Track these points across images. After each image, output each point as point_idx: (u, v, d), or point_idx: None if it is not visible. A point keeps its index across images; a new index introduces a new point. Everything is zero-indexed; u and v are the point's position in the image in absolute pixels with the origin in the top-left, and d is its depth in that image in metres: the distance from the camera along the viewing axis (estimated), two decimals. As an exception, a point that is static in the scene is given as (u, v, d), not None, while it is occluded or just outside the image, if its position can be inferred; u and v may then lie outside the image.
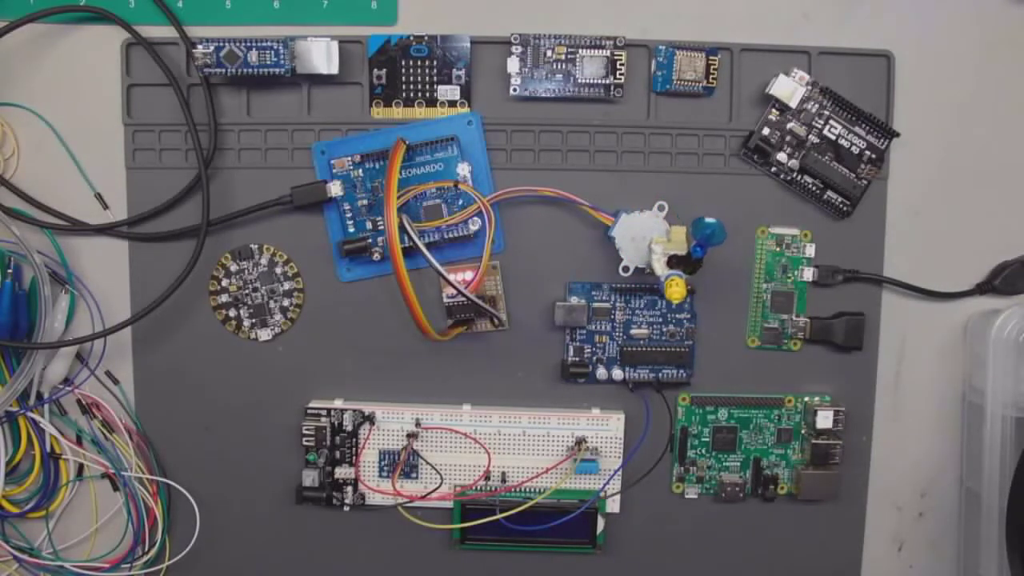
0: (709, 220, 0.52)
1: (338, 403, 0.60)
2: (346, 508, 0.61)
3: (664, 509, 0.62)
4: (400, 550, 0.63)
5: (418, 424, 0.60)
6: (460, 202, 0.58)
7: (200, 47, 0.56)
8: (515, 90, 0.58)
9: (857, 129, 0.59)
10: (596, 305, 0.60)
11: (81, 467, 0.62)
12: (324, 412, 0.60)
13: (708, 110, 0.59)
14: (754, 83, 0.59)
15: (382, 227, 0.58)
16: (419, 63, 0.58)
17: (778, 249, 0.60)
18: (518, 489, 0.60)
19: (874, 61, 0.59)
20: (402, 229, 0.55)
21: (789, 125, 0.59)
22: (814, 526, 0.63)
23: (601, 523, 0.61)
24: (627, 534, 0.62)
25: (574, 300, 0.60)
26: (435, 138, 0.58)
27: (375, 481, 0.61)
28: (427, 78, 0.59)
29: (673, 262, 0.54)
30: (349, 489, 0.61)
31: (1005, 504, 0.57)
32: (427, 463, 0.60)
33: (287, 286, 0.60)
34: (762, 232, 0.60)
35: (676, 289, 0.51)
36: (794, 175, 0.59)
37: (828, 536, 0.63)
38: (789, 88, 0.58)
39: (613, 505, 0.61)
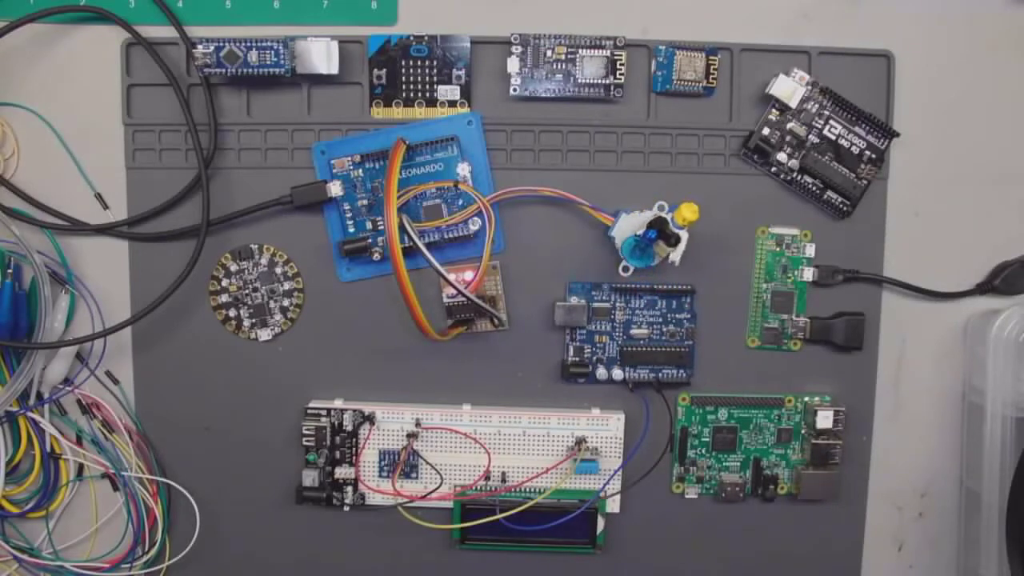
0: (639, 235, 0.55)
1: (338, 403, 0.60)
2: (346, 508, 0.61)
3: (664, 509, 0.62)
4: (400, 550, 0.63)
5: (418, 424, 0.60)
6: (460, 202, 0.58)
7: (200, 47, 0.56)
8: (515, 90, 0.58)
9: (857, 129, 0.59)
10: (596, 305, 0.60)
11: (81, 467, 0.62)
12: (324, 412, 0.60)
13: (708, 110, 0.59)
14: (754, 83, 0.59)
15: (382, 227, 0.58)
16: (419, 63, 0.58)
17: (778, 249, 0.60)
18: (518, 489, 0.60)
19: (874, 61, 0.59)
20: (402, 229, 0.55)
21: (789, 125, 0.59)
22: (814, 526, 0.63)
23: (601, 523, 0.61)
24: (627, 534, 0.62)
25: (574, 300, 0.60)
26: (435, 138, 0.58)
27: (375, 481, 0.61)
28: (427, 78, 0.59)
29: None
30: (349, 489, 0.61)
31: (1005, 504, 0.57)
32: (427, 463, 0.60)
33: (287, 286, 0.60)
34: (762, 232, 0.60)
35: (691, 210, 0.53)
36: (794, 175, 0.59)
37: (828, 536, 0.63)
38: (789, 88, 0.58)
39: (613, 505, 0.61)
